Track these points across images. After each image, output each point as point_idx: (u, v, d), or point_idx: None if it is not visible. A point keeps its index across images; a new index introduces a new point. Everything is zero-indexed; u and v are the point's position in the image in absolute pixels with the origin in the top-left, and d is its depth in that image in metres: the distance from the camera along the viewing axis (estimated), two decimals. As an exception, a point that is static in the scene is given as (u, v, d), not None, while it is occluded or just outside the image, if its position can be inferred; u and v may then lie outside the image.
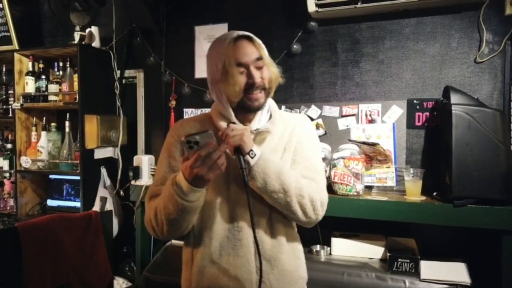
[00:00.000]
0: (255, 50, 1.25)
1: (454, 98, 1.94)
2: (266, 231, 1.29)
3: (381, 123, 2.34)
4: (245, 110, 1.28)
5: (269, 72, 1.26)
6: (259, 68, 1.25)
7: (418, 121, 2.29)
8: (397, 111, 2.33)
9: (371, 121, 2.37)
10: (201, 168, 1.08)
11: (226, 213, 1.28)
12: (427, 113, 2.27)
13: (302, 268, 1.37)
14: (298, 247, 1.38)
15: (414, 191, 2.04)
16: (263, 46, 1.28)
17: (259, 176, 1.20)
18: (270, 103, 1.37)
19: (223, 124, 1.29)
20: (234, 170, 1.24)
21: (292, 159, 1.34)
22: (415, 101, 2.30)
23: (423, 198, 2.04)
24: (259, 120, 1.33)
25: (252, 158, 1.19)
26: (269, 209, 1.29)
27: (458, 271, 1.92)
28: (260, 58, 1.25)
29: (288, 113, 1.52)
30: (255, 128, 1.31)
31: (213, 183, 1.23)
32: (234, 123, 1.28)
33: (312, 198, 1.25)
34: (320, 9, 2.28)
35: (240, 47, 1.24)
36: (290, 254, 1.32)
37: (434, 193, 2.08)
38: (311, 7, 2.27)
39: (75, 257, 2.24)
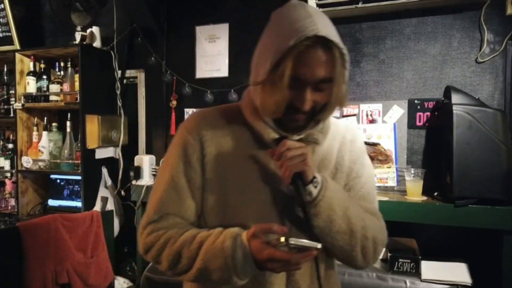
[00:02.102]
0: (326, 68, 0.88)
1: (455, 98, 1.94)
2: (304, 272, 1.01)
3: (382, 123, 2.34)
4: (279, 123, 0.98)
5: (331, 95, 0.92)
6: (319, 90, 0.91)
7: (419, 121, 2.29)
8: (398, 111, 2.32)
9: (372, 121, 2.36)
10: (279, 268, 0.89)
11: None
12: (428, 113, 2.27)
13: None
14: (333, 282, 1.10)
15: (415, 191, 2.04)
16: (344, 58, 0.89)
17: (323, 213, 0.92)
18: None
19: (272, 133, 0.98)
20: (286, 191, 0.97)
21: (345, 183, 1.05)
22: (416, 101, 2.29)
23: (424, 198, 2.04)
24: (308, 130, 1.00)
25: (315, 187, 0.92)
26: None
27: (459, 271, 1.92)
28: (327, 81, 0.90)
29: (334, 119, 1.10)
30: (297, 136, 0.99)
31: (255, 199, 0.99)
32: (285, 136, 0.96)
33: (375, 240, 1.00)
34: (321, 9, 2.27)
35: (309, 56, 0.87)
36: None
37: (435, 193, 2.07)
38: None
39: (77, 256, 2.24)
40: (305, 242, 0.87)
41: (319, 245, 0.86)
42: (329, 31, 0.88)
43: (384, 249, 1.09)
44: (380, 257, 1.09)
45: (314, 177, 0.92)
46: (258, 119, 0.99)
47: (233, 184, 1.00)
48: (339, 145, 1.05)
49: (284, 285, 1.00)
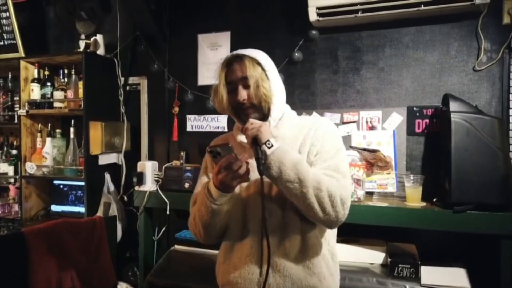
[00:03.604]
0: (241, 70, 1.33)
1: (453, 106, 1.97)
2: (275, 233, 1.30)
3: (382, 130, 2.38)
4: (246, 123, 1.33)
5: (258, 89, 1.32)
6: (247, 87, 1.33)
7: (418, 128, 2.33)
8: (397, 118, 2.36)
9: (372, 128, 2.40)
10: (224, 176, 1.20)
11: (241, 211, 1.36)
12: (427, 120, 2.30)
13: (316, 278, 1.30)
14: (314, 256, 1.32)
15: (414, 197, 2.07)
16: (254, 64, 1.34)
17: (274, 165, 1.21)
18: (285, 110, 1.44)
19: (240, 136, 1.38)
20: (254, 174, 1.27)
21: (308, 162, 1.32)
22: (415, 108, 2.33)
23: (423, 204, 2.07)
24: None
25: (268, 148, 1.22)
26: (283, 210, 1.32)
27: (458, 276, 1.95)
28: (245, 78, 1.32)
29: (308, 117, 1.56)
30: None
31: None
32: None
33: (331, 193, 1.22)
34: (321, 18, 2.32)
35: (231, 66, 1.35)
36: (299, 262, 1.30)
37: (434, 199, 2.10)
38: (312, 16, 2.31)
39: (80, 261, 2.26)
40: (217, 144, 1.23)
41: (230, 144, 1.19)
42: (245, 52, 1.37)
43: (346, 206, 1.26)
44: (344, 212, 1.26)
45: (268, 141, 1.23)
46: (237, 131, 1.43)
47: None
48: (305, 134, 1.37)
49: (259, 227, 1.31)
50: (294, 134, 1.39)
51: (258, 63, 1.35)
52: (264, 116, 1.36)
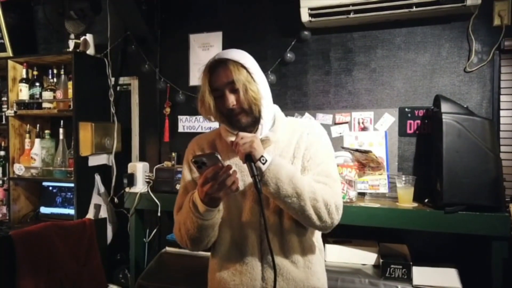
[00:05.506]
0: (226, 75, 1.26)
1: (445, 107, 1.98)
2: (273, 238, 1.28)
3: (374, 130, 2.38)
4: (236, 127, 1.30)
5: (246, 93, 1.26)
6: (235, 91, 1.27)
7: (410, 129, 2.33)
8: (389, 119, 2.36)
9: (364, 129, 2.40)
10: (209, 188, 1.14)
11: (236, 220, 1.32)
12: (418, 121, 2.31)
13: (315, 277, 1.34)
14: (312, 256, 1.36)
15: (406, 198, 2.08)
16: (239, 68, 1.27)
17: (271, 181, 1.20)
18: (275, 111, 1.38)
19: (230, 137, 1.31)
20: (247, 178, 1.27)
21: (302, 166, 1.33)
22: (406, 109, 2.34)
23: (415, 204, 2.07)
24: (261, 131, 1.32)
25: (263, 164, 1.19)
26: (279, 217, 1.31)
27: (449, 277, 1.96)
28: (231, 82, 1.26)
29: (299, 120, 1.54)
30: None
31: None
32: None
33: (326, 202, 1.24)
34: (313, 19, 2.32)
35: (215, 72, 1.28)
36: (299, 264, 1.32)
37: (426, 200, 2.11)
38: (305, 17, 2.31)
39: (70, 264, 2.23)
40: (202, 154, 1.19)
41: (216, 153, 1.12)
42: (227, 55, 1.29)
43: (340, 211, 1.29)
44: (338, 218, 1.29)
45: (262, 156, 1.19)
46: (225, 131, 1.35)
47: None
48: (298, 138, 1.36)
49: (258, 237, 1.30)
50: (287, 137, 1.37)
51: (243, 66, 1.28)
52: (255, 119, 1.31)
